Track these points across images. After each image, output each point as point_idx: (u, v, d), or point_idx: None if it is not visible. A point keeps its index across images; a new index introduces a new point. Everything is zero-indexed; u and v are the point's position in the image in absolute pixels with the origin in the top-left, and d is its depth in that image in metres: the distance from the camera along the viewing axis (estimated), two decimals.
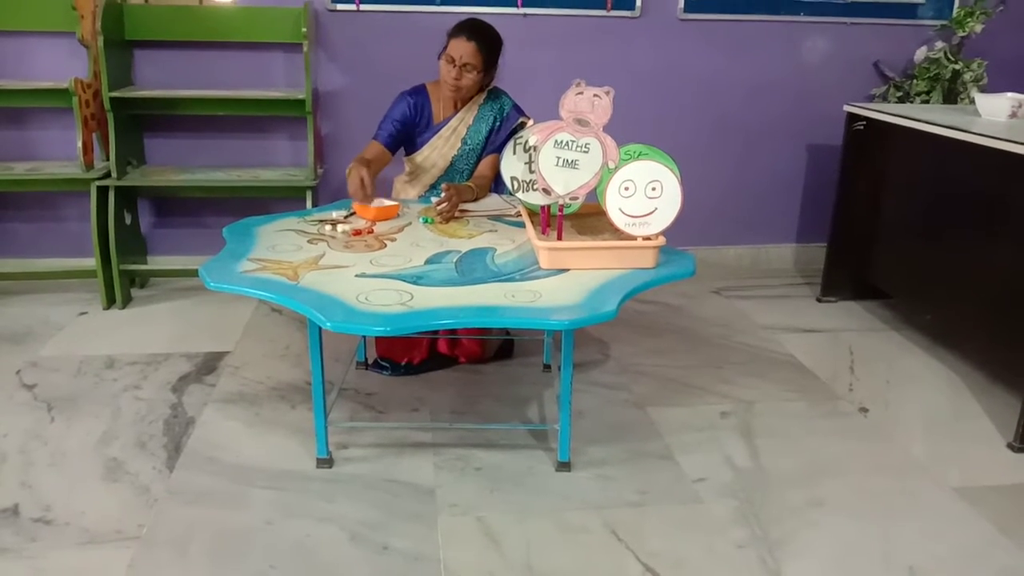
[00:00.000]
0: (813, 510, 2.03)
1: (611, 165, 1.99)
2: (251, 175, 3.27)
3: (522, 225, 2.31)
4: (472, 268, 2.01)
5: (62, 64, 3.21)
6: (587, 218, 2.29)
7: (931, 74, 3.54)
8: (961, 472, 2.21)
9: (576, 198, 2.05)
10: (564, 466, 2.16)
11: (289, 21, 3.22)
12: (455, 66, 2.52)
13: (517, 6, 3.38)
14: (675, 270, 2.05)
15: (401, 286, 1.88)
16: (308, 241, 2.19)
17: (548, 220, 2.15)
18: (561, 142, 1.98)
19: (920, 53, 3.59)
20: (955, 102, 3.54)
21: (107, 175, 3.13)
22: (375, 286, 1.87)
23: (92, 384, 2.59)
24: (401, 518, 1.95)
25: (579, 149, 1.99)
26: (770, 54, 3.62)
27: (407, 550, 1.84)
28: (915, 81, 3.58)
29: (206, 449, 2.23)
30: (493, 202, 2.62)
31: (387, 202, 2.44)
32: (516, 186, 2.19)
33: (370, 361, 2.71)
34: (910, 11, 3.63)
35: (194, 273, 2.95)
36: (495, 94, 2.69)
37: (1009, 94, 2.90)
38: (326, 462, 2.15)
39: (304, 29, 3.06)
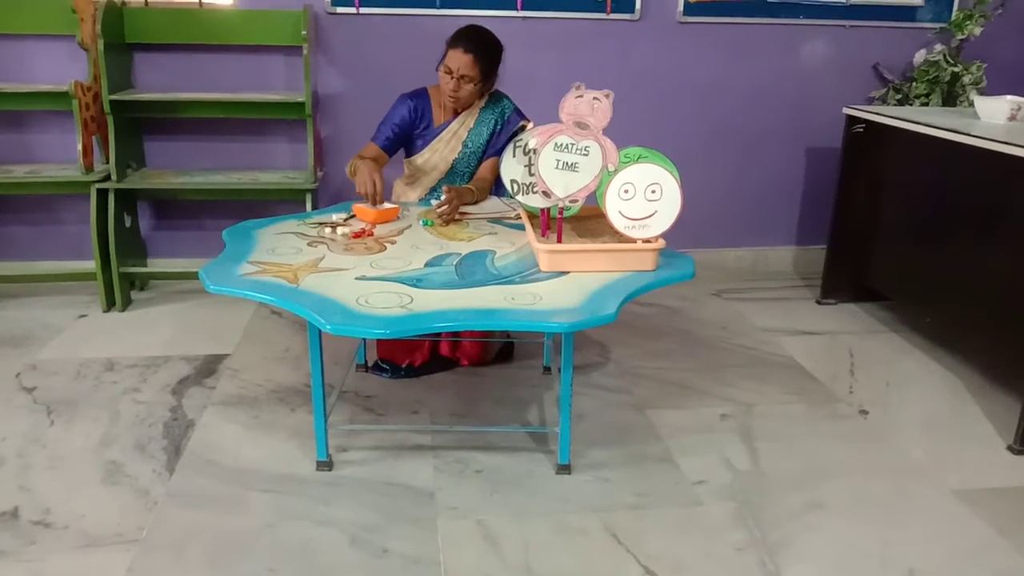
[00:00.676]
0: (812, 512, 2.03)
1: (611, 168, 1.99)
2: (251, 178, 3.27)
3: (522, 228, 2.31)
4: (472, 271, 2.01)
5: (62, 67, 3.22)
6: (587, 221, 2.29)
7: (930, 77, 3.54)
8: (961, 474, 2.21)
9: (576, 201, 2.06)
10: (564, 469, 2.16)
11: (289, 24, 3.22)
12: (453, 77, 2.51)
13: (517, 9, 3.38)
14: (675, 273, 2.05)
15: (401, 289, 1.88)
16: (308, 244, 2.19)
17: (548, 223, 2.15)
18: (561, 145, 1.99)
19: (919, 56, 3.60)
20: (954, 105, 3.54)
21: (107, 178, 3.14)
22: (375, 289, 1.87)
23: (92, 387, 2.59)
24: (401, 521, 1.95)
25: (579, 152, 1.99)
26: (769, 57, 3.62)
27: (407, 553, 1.84)
28: (914, 84, 3.59)
29: (206, 452, 2.23)
30: (493, 205, 2.62)
31: (387, 205, 2.44)
32: (516, 189, 2.19)
33: (370, 364, 2.71)
34: (909, 14, 3.63)
35: (194, 276, 2.95)
36: (496, 97, 2.69)
37: (1008, 97, 2.90)
38: (326, 465, 2.15)
39: (304, 32, 3.06)
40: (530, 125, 2.61)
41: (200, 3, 3.25)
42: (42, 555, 1.81)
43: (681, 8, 3.49)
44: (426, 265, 2.04)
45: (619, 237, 2.04)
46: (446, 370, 2.72)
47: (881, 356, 2.99)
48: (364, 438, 2.31)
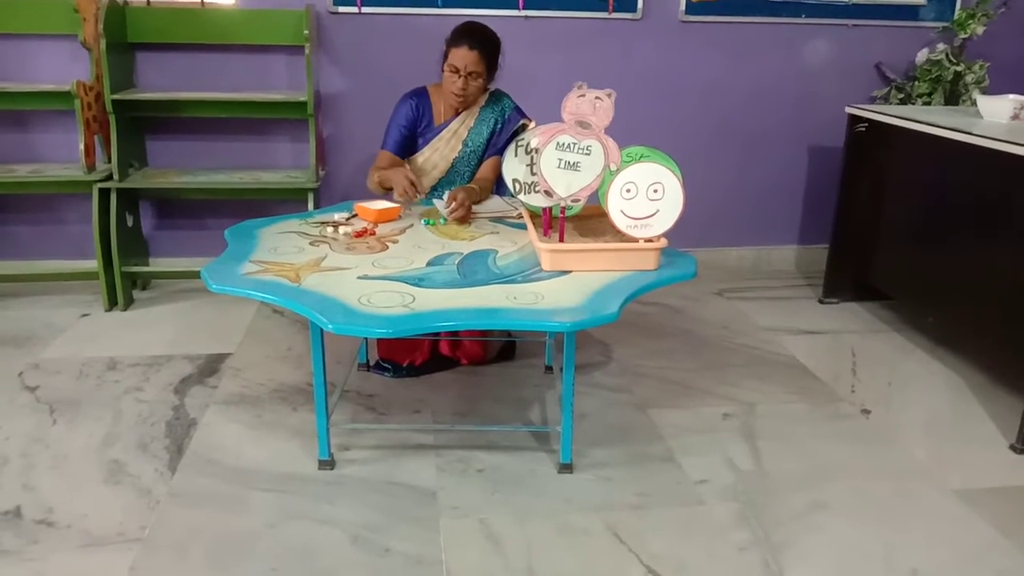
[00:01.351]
0: (815, 512, 2.03)
1: (613, 167, 1.99)
2: (253, 177, 3.27)
3: (524, 227, 2.31)
4: (474, 270, 2.01)
5: (64, 66, 3.22)
6: (589, 220, 2.29)
7: (933, 76, 3.54)
8: (963, 474, 2.21)
9: (578, 200, 2.06)
10: (566, 468, 2.16)
11: (291, 23, 3.22)
12: (460, 76, 2.51)
13: (519, 8, 3.38)
14: (677, 272, 2.05)
15: (403, 288, 1.88)
16: (310, 243, 2.19)
17: (550, 222, 2.15)
18: (563, 144, 1.98)
19: (922, 55, 3.59)
20: (957, 104, 3.54)
21: (109, 177, 3.14)
22: (377, 288, 1.87)
23: (94, 386, 2.59)
24: (403, 520, 1.95)
25: (581, 151, 1.99)
26: (772, 56, 3.62)
27: (409, 552, 1.84)
28: (917, 83, 3.58)
29: (208, 451, 2.23)
30: (495, 204, 2.62)
31: (388, 204, 2.44)
32: (518, 188, 2.19)
33: (372, 363, 2.71)
34: (912, 13, 3.63)
35: (196, 275, 2.94)
36: (496, 96, 2.69)
37: (1011, 96, 2.90)
38: (328, 464, 2.15)
39: (306, 31, 3.07)
40: (532, 124, 2.61)
41: (202, 3, 3.25)
42: (45, 554, 1.81)
43: (683, 7, 3.48)
44: (428, 264, 2.04)
45: (621, 236, 2.04)
46: (447, 369, 2.72)
47: (883, 356, 2.98)
48: (366, 437, 2.31)
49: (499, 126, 2.67)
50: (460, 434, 2.34)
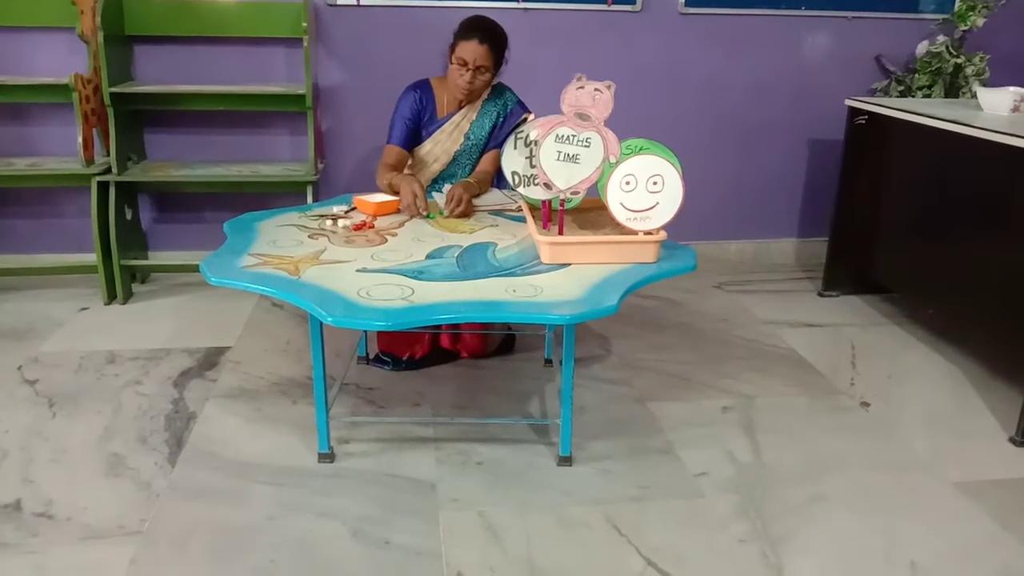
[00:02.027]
0: (814, 505, 2.03)
1: (612, 159, 1.99)
2: (251, 170, 3.26)
3: (523, 220, 2.31)
4: (473, 263, 2.01)
5: (62, 59, 3.21)
6: (588, 213, 2.28)
7: (933, 68, 3.53)
8: (962, 467, 2.21)
9: (577, 193, 2.05)
10: (565, 461, 2.16)
11: (289, 16, 3.21)
12: (468, 69, 2.51)
13: (518, 1, 3.37)
14: (676, 265, 2.04)
15: (402, 281, 1.87)
16: (309, 236, 2.19)
17: (549, 215, 2.15)
18: (562, 136, 1.98)
19: (922, 47, 3.58)
20: (957, 96, 3.53)
21: (107, 170, 3.13)
22: (376, 281, 1.87)
23: (93, 379, 2.59)
24: (403, 513, 1.95)
25: (580, 143, 1.98)
26: (772, 48, 3.61)
27: (409, 545, 1.84)
28: (917, 75, 3.57)
29: (207, 444, 2.23)
30: (494, 197, 2.61)
31: (387, 197, 2.44)
32: (517, 181, 2.19)
33: (371, 356, 2.71)
34: (912, 5, 3.62)
35: (195, 268, 2.94)
36: (499, 90, 2.69)
37: (1011, 88, 2.90)
38: (327, 457, 2.15)
39: (304, 24, 3.05)
40: (531, 117, 2.60)
41: None
42: (45, 547, 1.81)
43: None
44: (427, 257, 2.04)
45: (620, 229, 2.04)
46: (447, 362, 2.72)
47: (883, 348, 2.98)
48: (366, 430, 2.31)
49: (501, 119, 2.66)
50: (460, 427, 2.34)
